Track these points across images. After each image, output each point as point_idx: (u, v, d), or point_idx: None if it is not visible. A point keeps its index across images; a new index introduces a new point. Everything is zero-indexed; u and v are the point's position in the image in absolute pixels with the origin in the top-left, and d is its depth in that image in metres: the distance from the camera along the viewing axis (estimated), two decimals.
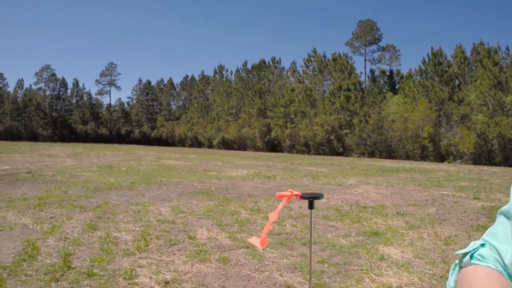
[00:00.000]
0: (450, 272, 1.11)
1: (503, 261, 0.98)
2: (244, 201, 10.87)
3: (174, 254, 5.92)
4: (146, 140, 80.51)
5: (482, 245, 1.05)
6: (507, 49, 45.12)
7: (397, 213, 9.57)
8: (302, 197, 2.84)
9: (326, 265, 5.55)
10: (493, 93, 38.00)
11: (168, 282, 4.75)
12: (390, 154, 44.24)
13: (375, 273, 5.18)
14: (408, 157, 41.91)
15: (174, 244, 6.44)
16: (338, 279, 5.00)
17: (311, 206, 2.97)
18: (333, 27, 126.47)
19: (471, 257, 1.03)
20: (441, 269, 5.38)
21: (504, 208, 1.06)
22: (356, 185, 14.87)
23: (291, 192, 2.80)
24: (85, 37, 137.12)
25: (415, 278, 4.99)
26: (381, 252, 6.18)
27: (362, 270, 5.34)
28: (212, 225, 7.92)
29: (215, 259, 5.71)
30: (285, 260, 5.75)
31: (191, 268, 5.30)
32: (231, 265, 5.52)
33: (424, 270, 5.32)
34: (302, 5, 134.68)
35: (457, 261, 1.09)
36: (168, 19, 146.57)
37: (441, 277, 5.07)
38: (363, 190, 13.36)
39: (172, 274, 5.01)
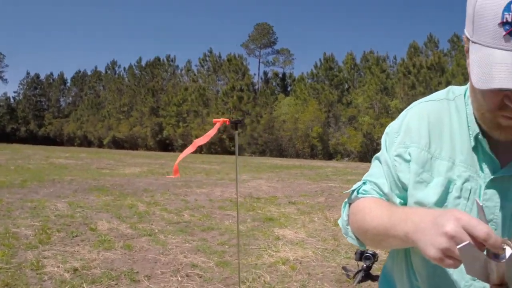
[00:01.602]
0: (342, 209, 1.32)
1: (382, 191, 1.20)
2: (141, 195, 10.95)
3: (78, 244, 5.98)
4: (32, 139, 75.29)
5: (364, 183, 1.26)
6: (395, 58, 49.93)
7: (289, 202, 10.20)
8: (231, 121, 3.79)
9: (226, 246, 5.94)
10: (379, 97, 41.22)
11: (77, 269, 4.85)
12: (280, 153, 45.77)
13: (272, 250, 5.67)
14: (298, 155, 43.65)
15: (77, 236, 6.48)
16: (239, 257, 5.39)
17: (236, 128, 3.94)
18: (231, 28, 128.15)
19: (358, 192, 1.25)
20: (332, 244, 5.98)
21: (377, 154, 1.30)
22: (248, 180, 15.42)
23: (224, 120, 3.70)
24: None
25: (310, 252, 5.53)
26: (276, 233, 6.69)
27: (260, 248, 5.79)
28: (111, 217, 7.99)
29: (120, 246, 5.87)
30: (187, 244, 6.05)
31: (98, 255, 5.42)
32: (136, 251, 5.72)
33: (317, 246, 5.89)
34: (200, 4, 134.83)
35: (346, 200, 1.30)
36: (62, 9, 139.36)
37: (332, 250, 5.67)
38: (255, 184, 13.93)
39: (80, 262, 5.11)
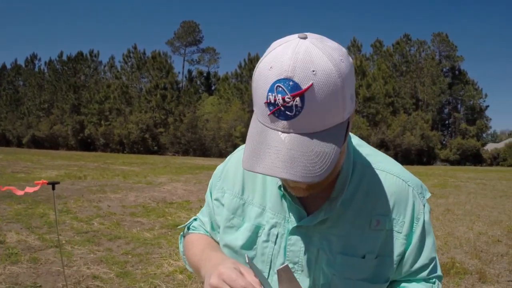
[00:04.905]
0: (179, 241, 1.49)
1: (205, 229, 1.38)
2: (53, 203, 10.87)
3: None
4: None
5: (195, 219, 1.45)
6: None
7: (201, 206, 10.51)
8: (49, 183, 4.54)
9: (130, 256, 6.22)
10: None
11: None
12: (203, 152, 46.08)
13: (173, 259, 6.01)
14: (221, 155, 44.09)
15: None
16: (140, 267, 5.71)
17: (53, 188, 4.62)
18: (157, 25, 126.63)
19: (188, 228, 1.44)
20: None
21: (207, 193, 1.41)
22: (165, 182, 15.65)
23: (43, 181, 4.53)
24: None
25: None
26: None
27: (162, 257, 6.13)
28: (21, 228, 7.97)
29: (26, 259, 5.98)
30: (92, 255, 6.26)
31: (3, 270, 5.51)
32: (41, 263, 5.86)
33: None
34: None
35: (182, 233, 1.48)
36: None
37: None
38: (171, 187, 14.19)
39: None
